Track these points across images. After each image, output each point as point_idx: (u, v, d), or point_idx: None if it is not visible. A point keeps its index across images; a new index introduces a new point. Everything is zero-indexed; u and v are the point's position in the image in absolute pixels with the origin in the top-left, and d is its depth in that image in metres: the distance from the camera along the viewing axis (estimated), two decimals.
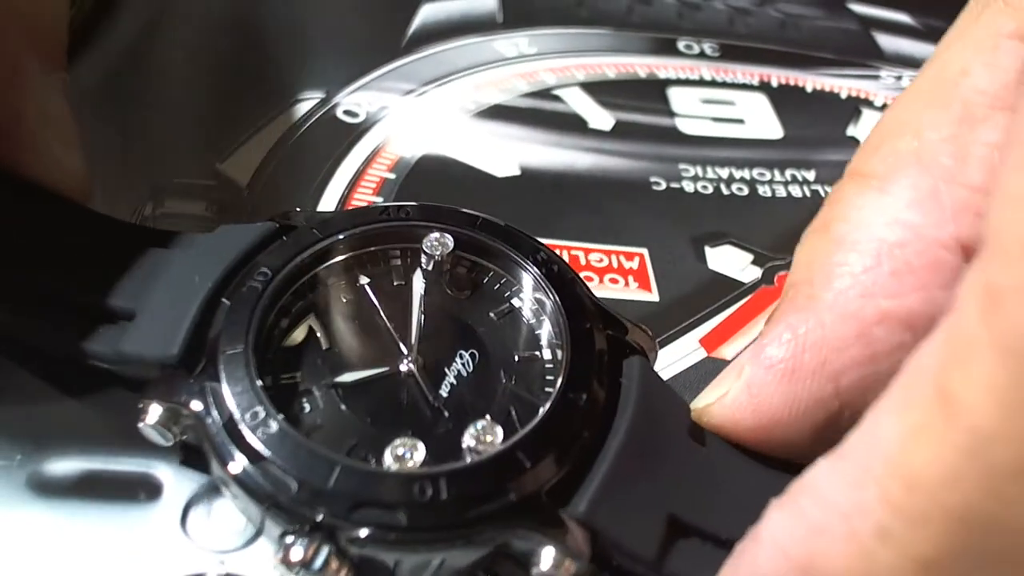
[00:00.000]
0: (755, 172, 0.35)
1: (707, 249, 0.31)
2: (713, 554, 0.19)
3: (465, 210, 0.24)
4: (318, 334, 0.23)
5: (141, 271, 0.23)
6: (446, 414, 0.21)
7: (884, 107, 0.39)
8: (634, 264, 0.30)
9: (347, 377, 0.22)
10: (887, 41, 0.43)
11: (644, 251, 0.30)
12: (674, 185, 0.34)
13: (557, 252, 0.30)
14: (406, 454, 0.20)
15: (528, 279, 0.23)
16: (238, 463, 0.19)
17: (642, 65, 0.40)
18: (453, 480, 0.19)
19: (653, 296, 0.29)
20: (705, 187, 0.34)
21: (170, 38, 0.39)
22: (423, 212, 0.24)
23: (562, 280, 0.23)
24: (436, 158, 0.34)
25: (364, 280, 0.24)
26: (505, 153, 0.34)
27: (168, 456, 0.22)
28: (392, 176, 0.32)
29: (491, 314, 0.23)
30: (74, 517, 0.21)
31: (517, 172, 0.33)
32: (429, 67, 0.38)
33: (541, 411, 0.21)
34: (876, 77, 0.41)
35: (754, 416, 0.21)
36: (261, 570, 0.21)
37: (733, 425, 0.21)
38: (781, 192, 0.34)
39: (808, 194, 0.34)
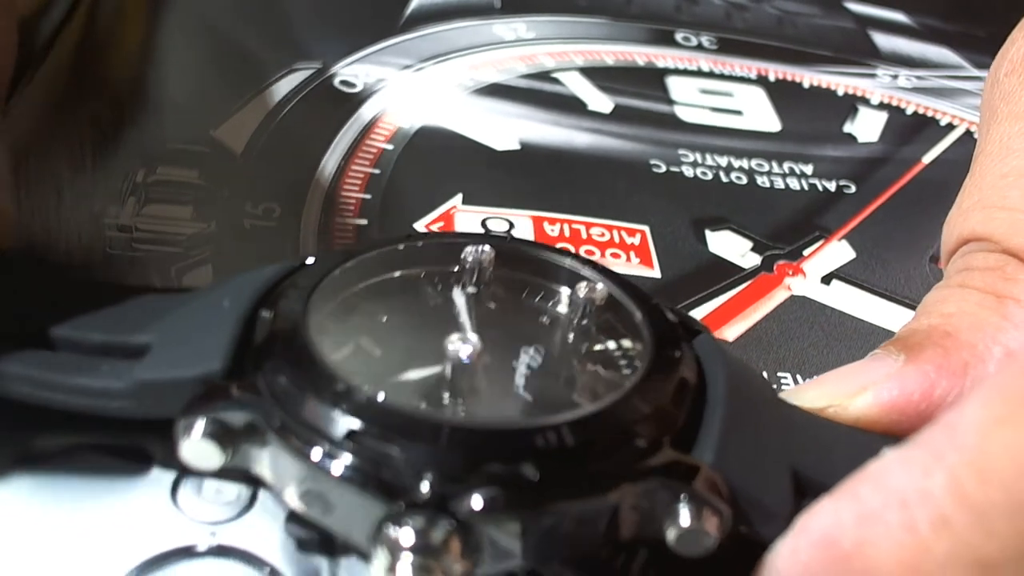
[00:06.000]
0: (753, 163, 0.34)
1: (708, 232, 0.31)
2: None
3: (476, 232, 0.23)
4: (365, 345, 0.20)
5: (149, 310, 0.20)
6: (529, 398, 0.19)
7: (881, 105, 0.39)
8: (636, 240, 0.29)
9: (411, 375, 0.19)
10: (883, 40, 0.43)
11: (646, 228, 0.30)
12: (674, 169, 0.33)
13: (559, 224, 0.29)
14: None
15: (576, 275, 0.22)
16: (318, 449, 0.17)
17: (640, 54, 0.40)
18: (577, 427, 0.17)
19: (655, 273, 0.28)
20: (705, 173, 0.33)
21: (165, 4, 0.38)
22: (449, 235, 0.23)
23: (608, 271, 0.22)
24: (435, 130, 0.33)
25: (408, 290, 0.22)
26: (504, 128, 0.34)
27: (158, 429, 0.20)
28: (390, 147, 0.32)
29: (544, 318, 0.22)
30: (62, 489, 0.20)
31: (517, 146, 0.33)
32: (427, 45, 0.38)
33: (642, 364, 0.19)
34: (872, 75, 0.41)
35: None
36: (252, 542, 0.20)
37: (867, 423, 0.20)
38: (779, 184, 0.34)
39: (806, 187, 0.34)
